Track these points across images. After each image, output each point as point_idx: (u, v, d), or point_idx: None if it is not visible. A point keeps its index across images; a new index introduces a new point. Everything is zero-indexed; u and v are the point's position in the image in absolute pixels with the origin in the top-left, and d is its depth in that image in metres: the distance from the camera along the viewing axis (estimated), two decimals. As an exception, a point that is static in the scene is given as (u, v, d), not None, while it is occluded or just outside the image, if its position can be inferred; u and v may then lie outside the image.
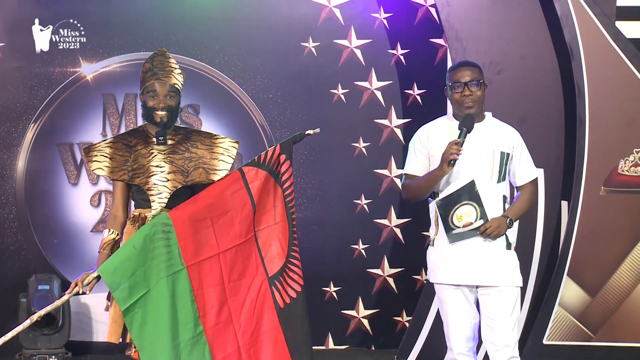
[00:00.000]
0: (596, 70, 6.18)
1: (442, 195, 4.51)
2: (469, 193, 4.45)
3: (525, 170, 4.67)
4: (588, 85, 6.17)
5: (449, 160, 4.38)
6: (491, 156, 4.54)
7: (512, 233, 4.59)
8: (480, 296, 4.57)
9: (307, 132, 4.41)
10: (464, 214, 4.47)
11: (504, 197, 4.58)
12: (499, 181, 4.55)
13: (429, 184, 4.52)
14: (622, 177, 6.26)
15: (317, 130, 4.41)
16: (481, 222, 4.46)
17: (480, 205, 4.46)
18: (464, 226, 4.48)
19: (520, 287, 4.63)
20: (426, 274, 6.79)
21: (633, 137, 6.26)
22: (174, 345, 4.16)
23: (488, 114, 4.71)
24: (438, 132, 4.59)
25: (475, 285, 4.55)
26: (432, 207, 4.62)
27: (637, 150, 6.27)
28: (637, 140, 6.27)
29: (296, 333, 4.35)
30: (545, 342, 6.26)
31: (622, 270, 6.28)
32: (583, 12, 6.16)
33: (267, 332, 4.33)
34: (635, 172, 6.25)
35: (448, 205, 4.48)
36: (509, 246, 4.57)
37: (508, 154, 4.58)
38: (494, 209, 4.51)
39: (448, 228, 4.50)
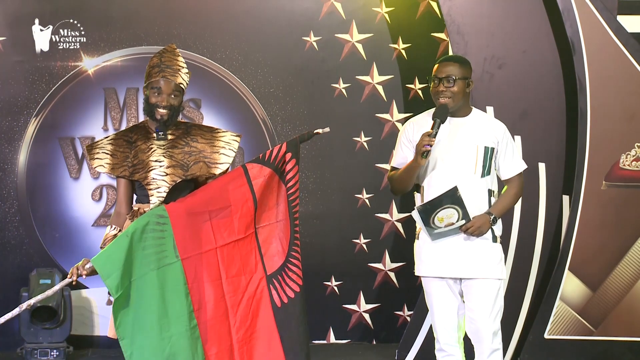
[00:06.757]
0: (598, 65, 6.18)
1: (425, 200, 4.53)
2: (451, 198, 4.45)
3: (510, 164, 4.65)
4: (590, 79, 6.16)
5: (421, 152, 4.40)
6: (474, 151, 4.54)
7: (498, 226, 4.61)
8: (463, 288, 4.61)
9: (315, 131, 4.31)
10: (445, 216, 4.48)
11: (490, 191, 4.58)
12: (483, 175, 4.56)
13: (408, 176, 4.55)
14: (624, 171, 6.25)
15: (327, 129, 4.30)
16: (463, 222, 4.48)
17: (463, 207, 4.46)
18: (445, 226, 4.49)
19: (503, 280, 4.66)
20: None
21: (634, 131, 6.26)
22: (162, 338, 4.14)
23: (475, 109, 4.71)
24: (424, 125, 4.58)
25: (459, 277, 4.58)
26: (417, 201, 4.64)
27: (639, 144, 6.26)
28: (638, 134, 6.26)
29: (292, 334, 4.30)
30: (546, 336, 6.26)
31: (623, 265, 6.28)
32: (585, 6, 6.15)
33: (262, 331, 4.30)
34: (637, 167, 6.24)
35: (429, 211, 4.48)
36: (494, 239, 4.59)
37: (492, 149, 4.58)
38: (479, 204, 4.54)
39: (429, 228, 4.52)
